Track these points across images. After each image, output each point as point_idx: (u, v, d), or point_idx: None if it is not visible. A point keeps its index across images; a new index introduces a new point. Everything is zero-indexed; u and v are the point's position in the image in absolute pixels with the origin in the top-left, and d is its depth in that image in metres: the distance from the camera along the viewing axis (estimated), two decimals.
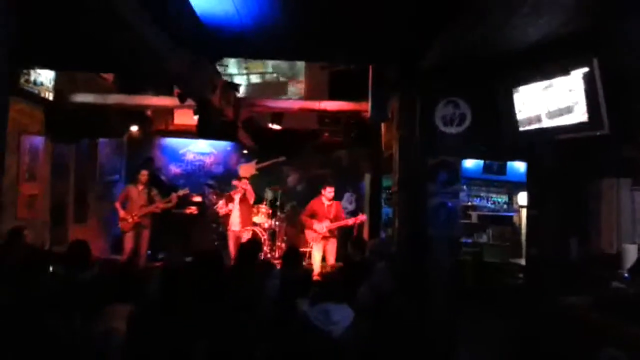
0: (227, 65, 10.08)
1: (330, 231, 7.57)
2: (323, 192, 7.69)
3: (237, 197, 8.28)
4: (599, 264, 4.56)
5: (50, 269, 4.26)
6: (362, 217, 8.04)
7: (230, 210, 8.33)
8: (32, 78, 6.82)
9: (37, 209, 7.22)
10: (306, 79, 10.70)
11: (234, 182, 8.70)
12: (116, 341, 2.90)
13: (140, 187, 7.78)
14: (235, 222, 8.20)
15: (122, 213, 7.68)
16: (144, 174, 7.86)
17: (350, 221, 7.72)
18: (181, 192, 8.21)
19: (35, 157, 7.13)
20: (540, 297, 4.92)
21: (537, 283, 5.20)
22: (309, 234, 7.69)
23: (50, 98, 7.24)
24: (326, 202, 7.65)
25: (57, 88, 7.35)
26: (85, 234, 7.73)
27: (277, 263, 6.50)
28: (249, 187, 8.32)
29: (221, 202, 8.64)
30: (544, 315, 4.44)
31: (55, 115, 7.37)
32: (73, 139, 8.23)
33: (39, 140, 7.21)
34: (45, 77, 7.09)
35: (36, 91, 6.94)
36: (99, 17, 3.65)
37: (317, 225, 7.53)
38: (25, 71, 6.63)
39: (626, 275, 3.87)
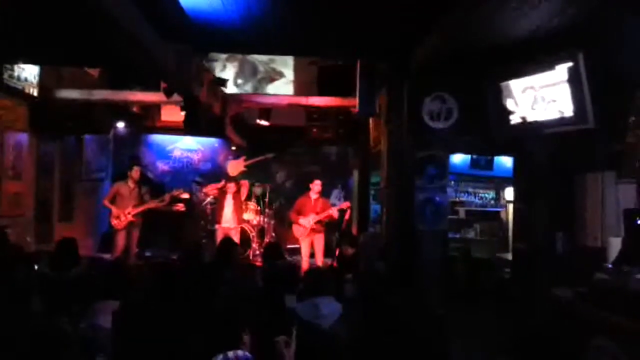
0: (215, 60, 9.98)
1: (317, 225, 7.55)
2: (311, 186, 7.69)
3: (229, 195, 8.21)
4: (584, 257, 4.61)
5: (36, 267, 4.21)
6: (345, 205, 8.02)
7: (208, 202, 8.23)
8: (16, 74, 6.71)
9: (21, 207, 7.12)
10: (295, 74, 10.66)
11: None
12: (101, 337, 2.87)
13: (132, 185, 7.67)
14: (228, 219, 8.14)
15: (115, 210, 7.55)
16: (136, 170, 7.70)
17: (334, 211, 7.64)
18: (175, 192, 8.12)
19: (20, 154, 7.02)
20: (527, 290, 4.97)
21: (524, 277, 5.25)
22: (296, 229, 7.68)
23: (35, 94, 7.12)
24: (313, 196, 7.64)
25: (42, 84, 7.24)
26: (71, 232, 7.62)
27: None
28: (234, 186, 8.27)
29: (210, 198, 8.52)
30: (533, 307, 4.48)
31: (40, 111, 7.25)
32: (58, 136, 8.13)
33: (23, 137, 7.10)
34: (29, 72, 6.98)
35: (20, 87, 6.83)
36: (84, 11, 3.61)
37: (303, 220, 7.53)
38: (9, 67, 6.52)
39: (610, 267, 3.91)
